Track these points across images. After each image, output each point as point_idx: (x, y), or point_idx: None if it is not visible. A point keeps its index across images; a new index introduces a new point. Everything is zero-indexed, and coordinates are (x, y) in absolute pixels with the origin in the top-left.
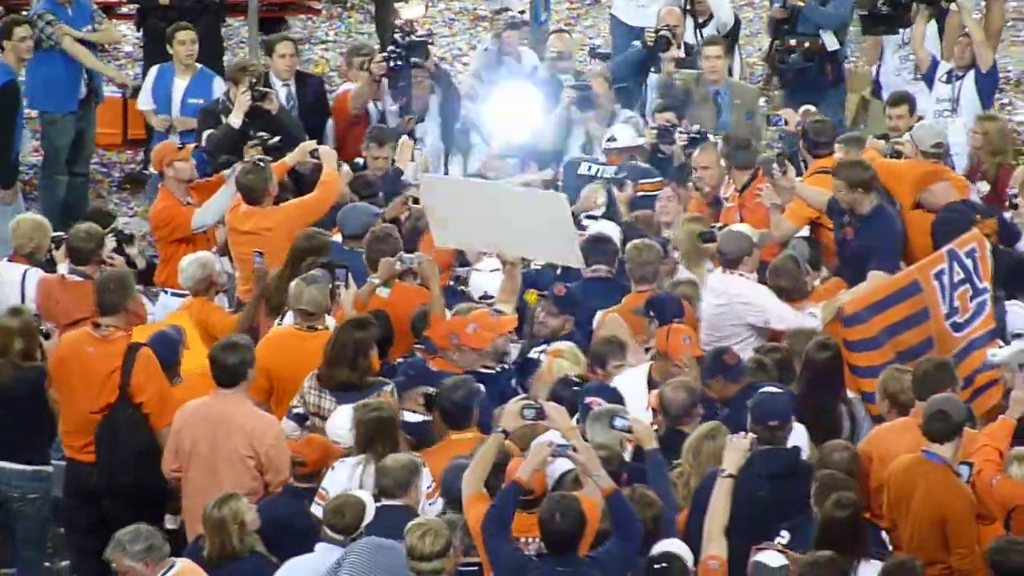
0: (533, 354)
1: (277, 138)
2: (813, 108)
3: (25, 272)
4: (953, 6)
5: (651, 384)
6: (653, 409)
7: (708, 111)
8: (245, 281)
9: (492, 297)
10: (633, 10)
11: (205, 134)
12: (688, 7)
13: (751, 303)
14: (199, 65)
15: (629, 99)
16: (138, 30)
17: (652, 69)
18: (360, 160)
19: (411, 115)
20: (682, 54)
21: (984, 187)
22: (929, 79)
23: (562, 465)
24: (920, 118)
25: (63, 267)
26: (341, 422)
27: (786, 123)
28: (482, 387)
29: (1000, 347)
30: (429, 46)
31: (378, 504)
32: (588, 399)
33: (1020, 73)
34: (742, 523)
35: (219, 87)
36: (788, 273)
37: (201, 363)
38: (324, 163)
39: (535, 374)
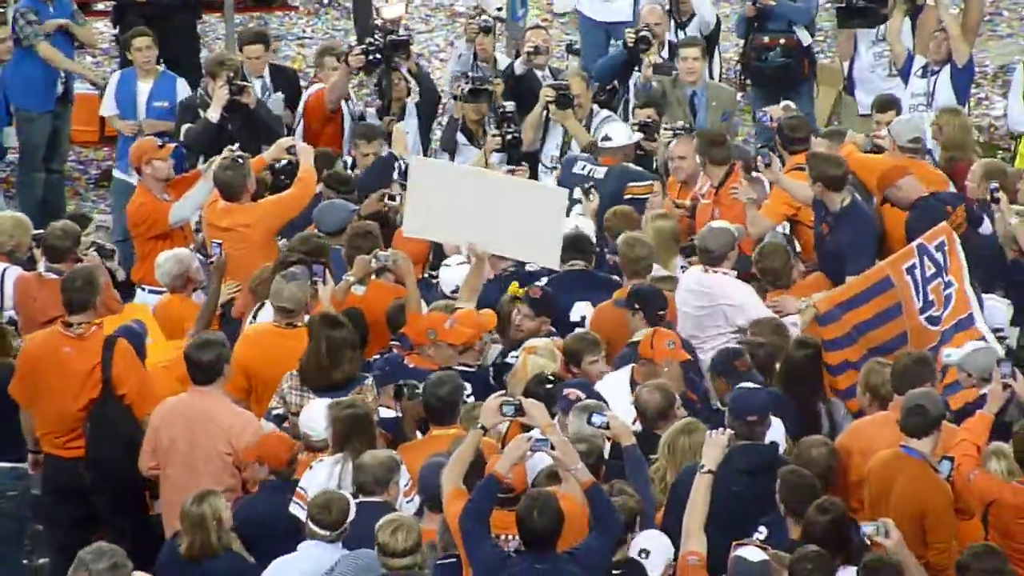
0: (511, 358)
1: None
2: (792, 104)
3: (5, 270)
4: (930, 0)
5: (634, 386)
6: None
7: (682, 113)
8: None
9: None
10: (599, 5)
11: (183, 128)
12: (670, 7)
13: (737, 305)
14: (160, 67)
15: (611, 99)
16: (115, 27)
17: (635, 68)
18: (349, 159)
19: (391, 116)
20: (665, 55)
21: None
22: (904, 73)
23: (541, 460)
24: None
25: (41, 265)
26: (315, 415)
27: (771, 119)
28: (467, 384)
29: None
30: (410, 46)
31: (357, 501)
32: (566, 391)
33: (997, 68)
34: (721, 519)
35: (182, 88)
36: (779, 256)
37: (165, 355)
38: (301, 159)
39: (511, 371)
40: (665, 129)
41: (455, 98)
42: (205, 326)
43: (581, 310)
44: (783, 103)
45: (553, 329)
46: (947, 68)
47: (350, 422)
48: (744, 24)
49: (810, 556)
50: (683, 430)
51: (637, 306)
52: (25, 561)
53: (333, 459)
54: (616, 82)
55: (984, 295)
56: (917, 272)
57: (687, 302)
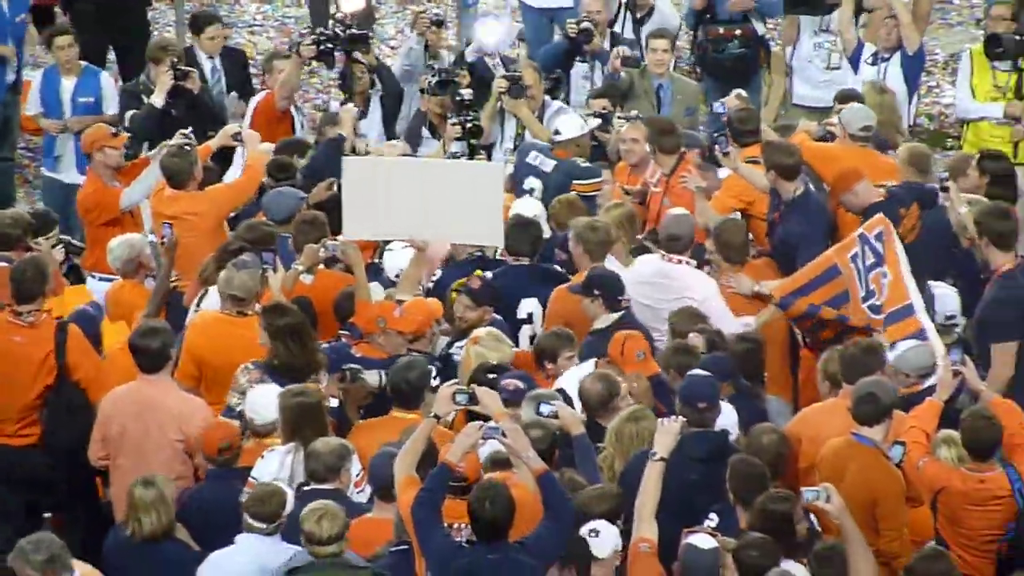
0: (456, 349)
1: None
2: (744, 93)
3: None
4: None
5: None
6: None
7: (649, 104)
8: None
9: None
10: None
11: (128, 114)
12: (628, 1)
13: (699, 300)
14: (83, 63)
15: (556, 88)
16: (64, 14)
17: (578, 59)
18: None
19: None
20: (607, 45)
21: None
22: (854, 61)
23: (492, 449)
24: None
25: None
26: (261, 399)
27: (727, 110)
28: (431, 369)
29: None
30: (370, 39)
31: (307, 488)
32: (504, 381)
33: (948, 56)
34: (672, 506)
35: (107, 83)
36: (738, 231)
37: (120, 338)
38: (248, 146)
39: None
40: (619, 118)
41: (422, 91)
42: (158, 305)
43: (529, 306)
44: (735, 92)
45: (498, 317)
46: (897, 55)
47: (301, 410)
48: (693, 16)
49: (755, 543)
50: (630, 418)
51: (596, 292)
52: None
53: (284, 448)
54: (560, 71)
55: (935, 283)
56: (859, 261)
57: (645, 294)
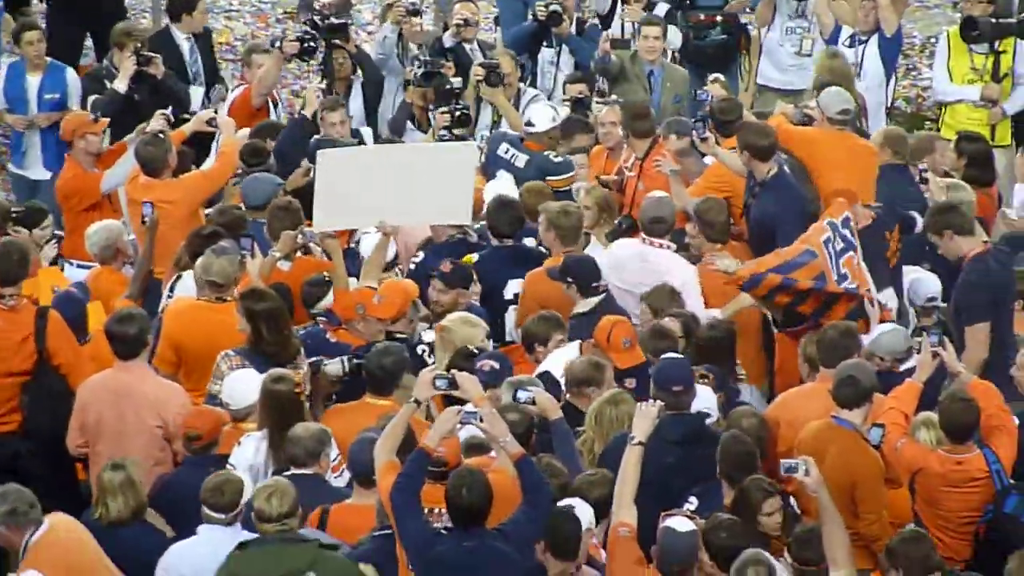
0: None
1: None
2: (722, 78)
3: None
4: None
5: None
6: None
7: (642, 88)
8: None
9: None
10: None
11: (91, 99)
12: None
13: (678, 286)
14: (48, 59)
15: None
16: (41, 2)
17: (544, 43)
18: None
19: (334, 96)
20: (572, 29)
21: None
22: (831, 43)
23: (470, 433)
24: None
25: None
26: (236, 385)
27: (712, 98)
28: (407, 356)
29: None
30: (349, 28)
31: (287, 473)
32: (480, 362)
33: (925, 38)
34: (650, 489)
35: (72, 79)
36: (722, 210)
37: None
38: (222, 132)
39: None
40: (597, 103)
41: (408, 83)
42: (142, 285)
43: (515, 287)
44: (712, 76)
45: (475, 303)
46: (875, 38)
47: (280, 396)
48: (673, 2)
49: (724, 524)
50: (610, 400)
51: (569, 279)
52: None
53: (260, 434)
54: (526, 56)
55: (911, 268)
56: (831, 246)
57: (624, 278)
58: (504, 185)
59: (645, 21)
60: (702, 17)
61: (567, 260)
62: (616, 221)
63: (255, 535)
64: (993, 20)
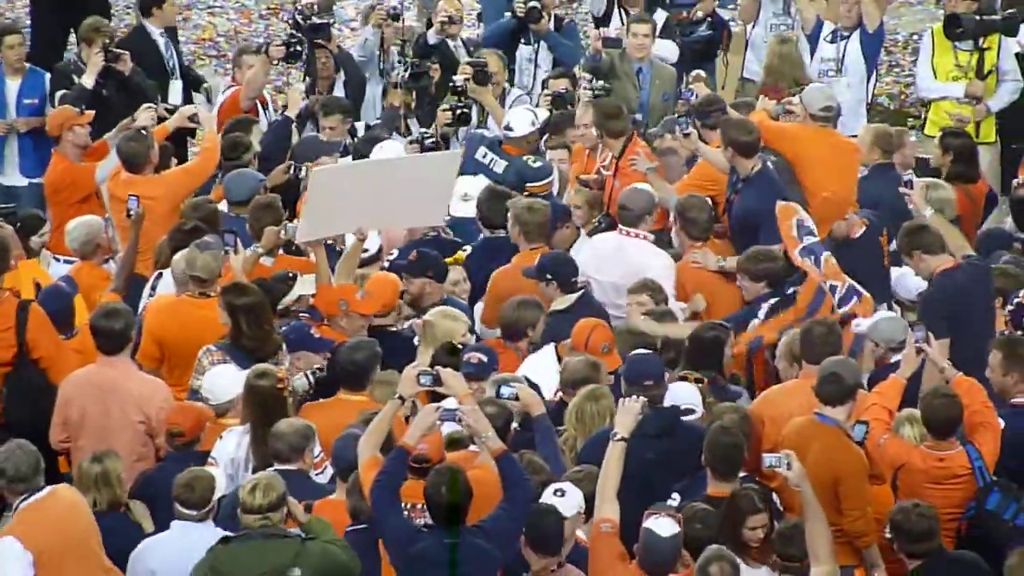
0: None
1: None
2: (703, 74)
3: None
4: None
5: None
6: None
7: (631, 86)
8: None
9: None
10: None
11: (58, 95)
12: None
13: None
14: (28, 65)
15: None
16: None
17: (522, 40)
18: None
19: (317, 96)
20: (551, 25)
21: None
22: (813, 39)
23: (450, 429)
24: None
25: None
26: (216, 380)
27: (696, 97)
28: (379, 350)
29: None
30: (331, 27)
31: (271, 469)
32: (467, 355)
33: (908, 35)
34: (632, 484)
35: (50, 84)
36: (704, 208)
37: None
38: (204, 128)
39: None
40: (585, 89)
41: (395, 85)
42: (126, 277)
43: None
44: (695, 73)
45: (454, 296)
46: (857, 33)
47: (262, 391)
48: (647, 1)
49: (698, 515)
50: (589, 397)
51: (549, 276)
52: None
53: (243, 428)
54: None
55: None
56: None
57: (604, 272)
58: (475, 183)
59: (635, 19)
60: (685, 14)
61: (545, 258)
62: (596, 220)
63: (227, 532)
64: (977, 17)
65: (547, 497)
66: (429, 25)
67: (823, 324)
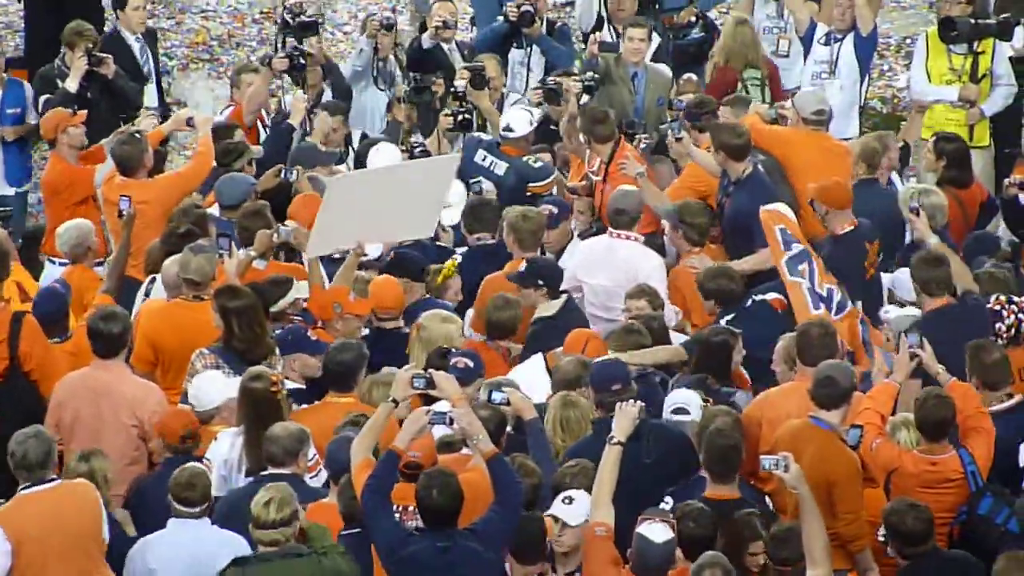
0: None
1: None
2: (695, 77)
3: None
4: None
5: (550, 373)
6: None
7: (627, 90)
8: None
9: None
10: None
11: (42, 99)
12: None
13: (644, 277)
14: (5, 75)
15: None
16: (19, 1)
17: (514, 44)
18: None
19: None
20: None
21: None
22: (807, 41)
23: (441, 433)
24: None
25: None
26: (202, 386)
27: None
28: (366, 352)
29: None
30: (320, 26)
31: (264, 472)
32: (453, 359)
33: (901, 39)
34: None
35: (29, 93)
36: (703, 213)
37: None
38: (199, 132)
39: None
40: (573, 81)
41: (398, 99)
42: (117, 278)
43: None
44: (685, 76)
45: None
46: (851, 36)
47: (255, 394)
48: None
49: (692, 514)
50: (566, 404)
51: (540, 282)
52: None
53: (236, 430)
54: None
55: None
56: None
57: (595, 275)
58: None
59: (631, 23)
60: (675, 18)
61: (534, 264)
62: (587, 224)
63: (220, 529)
64: (972, 20)
65: (556, 505)
66: (422, 29)
67: (820, 326)
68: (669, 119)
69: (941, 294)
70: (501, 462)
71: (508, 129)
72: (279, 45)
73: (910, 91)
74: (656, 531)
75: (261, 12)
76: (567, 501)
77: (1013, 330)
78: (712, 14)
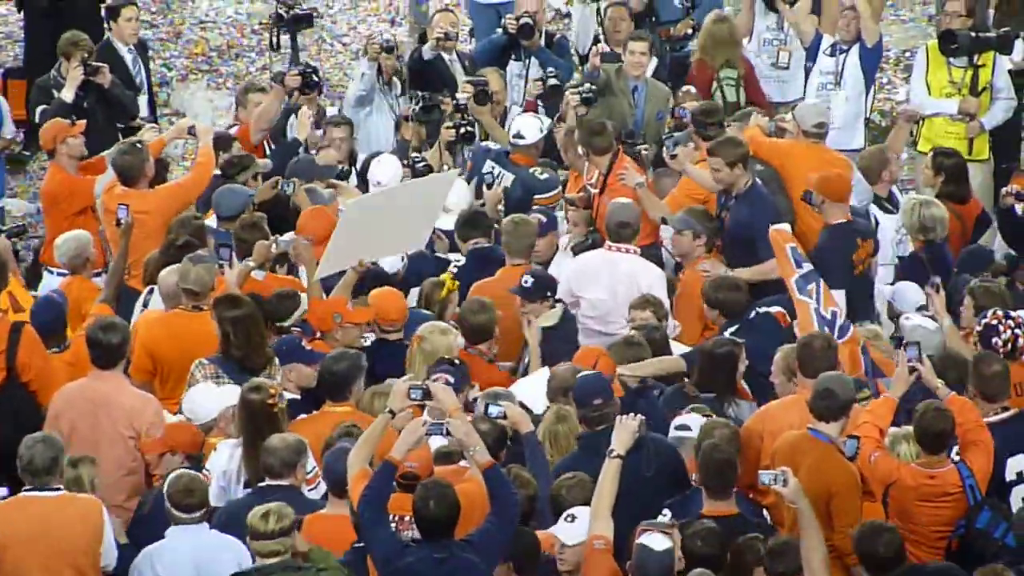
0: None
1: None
2: (694, 89)
3: None
4: None
5: None
6: None
7: (627, 103)
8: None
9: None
10: None
11: (38, 110)
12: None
13: (644, 288)
14: None
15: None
16: (19, 11)
17: (513, 56)
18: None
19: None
20: (541, 41)
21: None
22: (812, 51)
23: (438, 444)
24: None
25: None
26: (197, 399)
27: (689, 114)
28: (364, 363)
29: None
30: (314, 19)
31: (262, 484)
32: (435, 375)
33: (900, 52)
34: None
35: (4, 106)
36: (711, 217)
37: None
38: (200, 142)
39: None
40: (572, 94)
41: (406, 119)
42: (115, 287)
43: None
44: (685, 89)
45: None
46: (856, 47)
47: (252, 405)
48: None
49: (700, 532)
50: (558, 419)
51: (548, 294)
52: None
53: (235, 441)
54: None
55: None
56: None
57: (593, 290)
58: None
59: (632, 36)
60: (672, 31)
61: (542, 277)
62: (583, 236)
63: (220, 533)
64: (973, 34)
65: (560, 524)
66: (421, 41)
67: (822, 338)
68: (668, 129)
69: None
70: (498, 473)
71: (518, 136)
72: (274, 40)
73: (909, 104)
74: (656, 540)
75: (260, 23)
76: (569, 519)
77: (1010, 345)
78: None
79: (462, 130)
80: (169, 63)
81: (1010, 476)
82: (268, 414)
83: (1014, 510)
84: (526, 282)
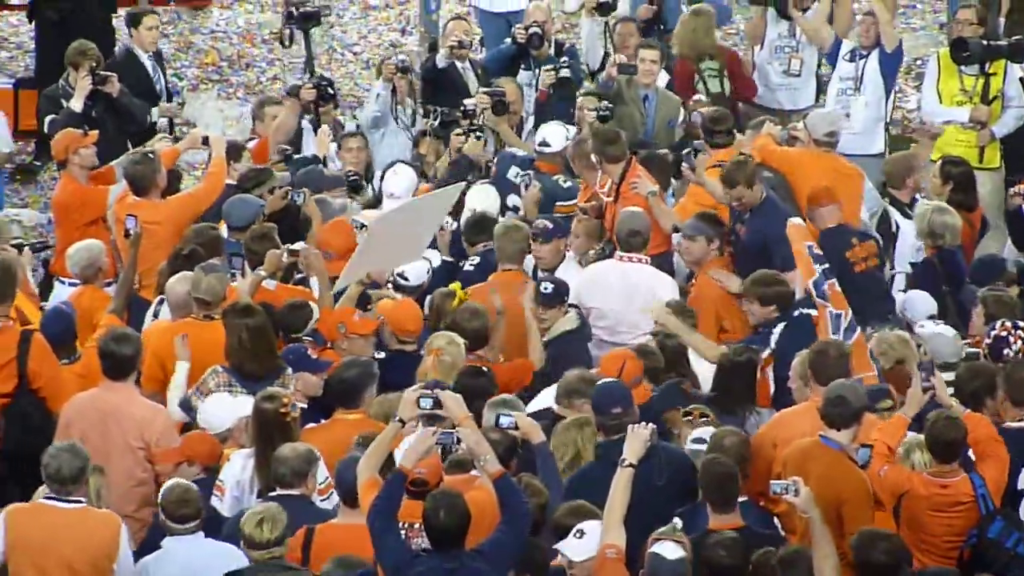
0: None
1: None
2: (704, 97)
3: None
4: None
5: None
6: None
7: (638, 111)
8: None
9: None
10: None
11: (47, 120)
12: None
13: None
14: None
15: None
16: (30, 21)
17: (522, 66)
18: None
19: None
20: (550, 51)
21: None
22: (831, 57)
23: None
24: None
25: None
26: (214, 409)
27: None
28: (376, 371)
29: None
30: (321, 18)
31: (273, 494)
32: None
33: (911, 60)
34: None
35: (3, 123)
36: (717, 222)
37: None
38: (213, 152)
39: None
40: (589, 111)
41: (424, 133)
42: (125, 297)
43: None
44: (695, 98)
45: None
46: (876, 52)
47: (264, 414)
48: (641, 27)
49: (723, 542)
50: (574, 425)
51: (567, 300)
52: None
53: (248, 451)
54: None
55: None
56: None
57: (605, 300)
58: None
59: (643, 45)
60: None
61: (558, 283)
62: (599, 247)
63: (215, 541)
64: (985, 42)
65: (569, 539)
66: (432, 50)
67: (836, 347)
68: (678, 138)
69: None
70: (508, 483)
71: (544, 144)
72: (285, 39)
73: (921, 112)
74: (668, 548)
75: (271, 32)
76: (579, 535)
77: (1021, 355)
78: (718, 34)
79: (472, 136)
80: (180, 73)
81: (1022, 485)
82: (281, 423)
83: None
84: (546, 289)
